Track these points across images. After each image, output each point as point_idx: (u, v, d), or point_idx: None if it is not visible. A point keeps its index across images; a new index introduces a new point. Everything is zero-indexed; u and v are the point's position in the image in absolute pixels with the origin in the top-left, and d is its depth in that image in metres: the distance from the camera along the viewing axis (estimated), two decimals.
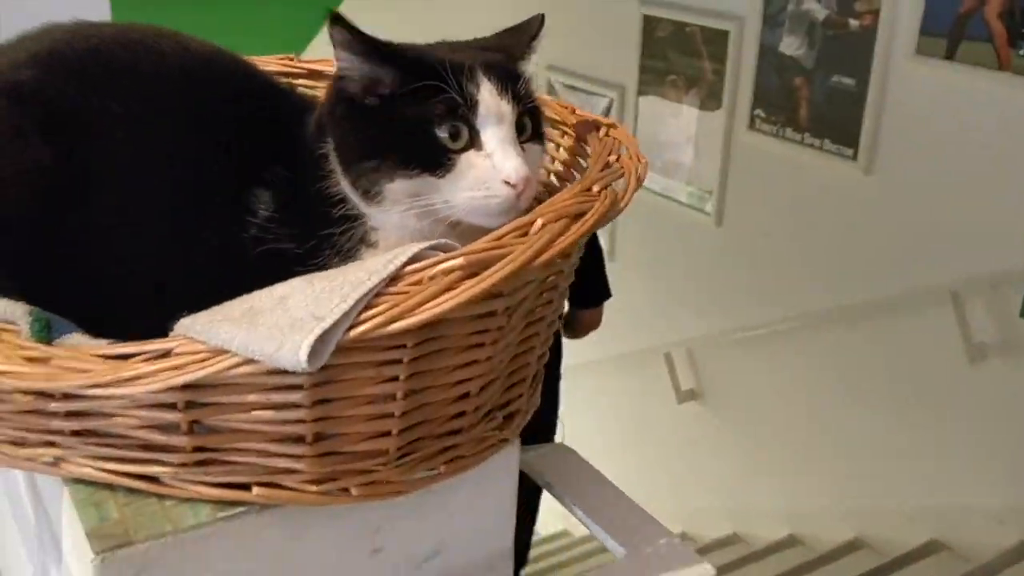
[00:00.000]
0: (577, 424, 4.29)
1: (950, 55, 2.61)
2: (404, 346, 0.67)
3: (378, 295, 0.63)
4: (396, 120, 0.70)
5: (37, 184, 0.72)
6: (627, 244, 3.87)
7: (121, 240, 0.74)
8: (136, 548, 0.68)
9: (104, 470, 0.71)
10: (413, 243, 0.67)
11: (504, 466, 0.81)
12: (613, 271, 3.93)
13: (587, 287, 2.39)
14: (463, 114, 0.70)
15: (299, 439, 0.69)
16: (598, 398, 4.14)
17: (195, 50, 0.79)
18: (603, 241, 3.86)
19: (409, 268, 0.64)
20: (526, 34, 0.78)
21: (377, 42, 0.71)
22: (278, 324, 0.63)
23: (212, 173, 0.74)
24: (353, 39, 0.70)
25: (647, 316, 3.80)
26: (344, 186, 0.72)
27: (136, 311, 0.72)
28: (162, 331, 0.67)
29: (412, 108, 0.70)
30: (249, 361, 0.63)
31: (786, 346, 3.27)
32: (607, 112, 3.75)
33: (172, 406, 0.68)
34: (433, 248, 0.66)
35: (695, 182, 3.48)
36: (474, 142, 0.70)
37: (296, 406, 0.67)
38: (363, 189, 0.71)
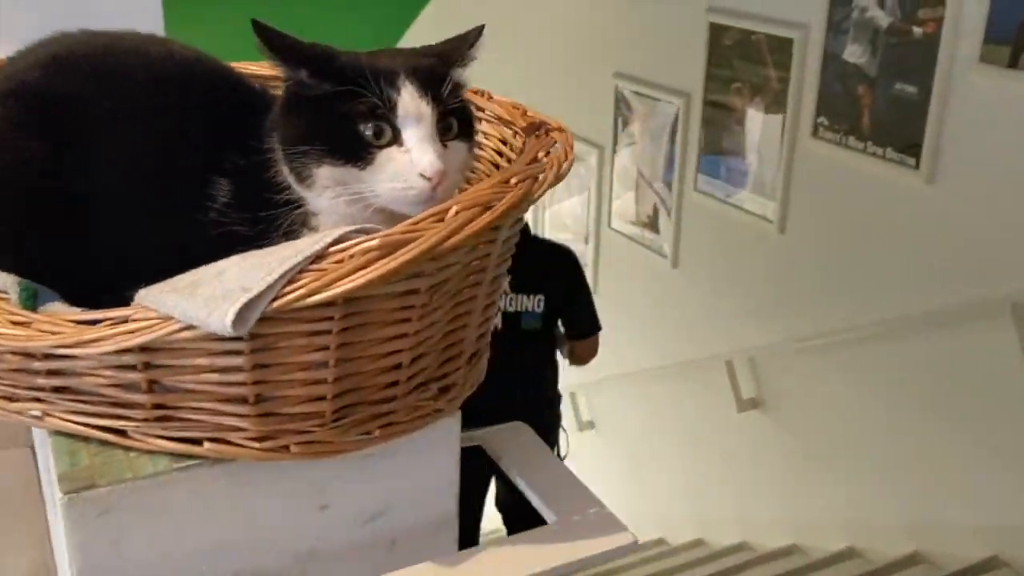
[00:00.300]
0: (636, 430, 4.32)
1: (1014, 63, 2.57)
2: (332, 318, 0.74)
3: (302, 271, 0.71)
4: (326, 115, 0.78)
5: (34, 173, 0.83)
6: (690, 251, 3.88)
7: (105, 222, 0.84)
8: (99, 491, 0.77)
9: (80, 423, 0.81)
10: (344, 226, 0.75)
11: (444, 436, 0.88)
12: (675, 278, 3.98)
13: (578, 322, 2.77)
14: (383, 114, 0.77)
15: (243, 400, 0.77)
16: (658, 405, 4.16)
17: (178, 55, 0.89)
18: (667, 247, 3.92)
19: (334, 248, 0.72)
20: (465, 42, 0.85)
21: (291, 47, 0.78)
22: (213, 294, 0.71)
23: (183, 164, 0.84)
24: (265, 44, 0.77)
25: (708, 323, 3.81)
26: (284, 172, 0.81)
27: (114, 284, 0.82)
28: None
29: (341, 106, 0.77)
30: (190, 327, 0.72)
31: (847, 355, 3.24)
32: (675, 120, 3.78)
33: (133, 367, 0.77)
34: (358, 231, 0.74)
35: (758, 189, 3.47)
36: (396, 139, 0.78)
37: (238, 369, 0.76)
38: (296, 172, 0.79)
